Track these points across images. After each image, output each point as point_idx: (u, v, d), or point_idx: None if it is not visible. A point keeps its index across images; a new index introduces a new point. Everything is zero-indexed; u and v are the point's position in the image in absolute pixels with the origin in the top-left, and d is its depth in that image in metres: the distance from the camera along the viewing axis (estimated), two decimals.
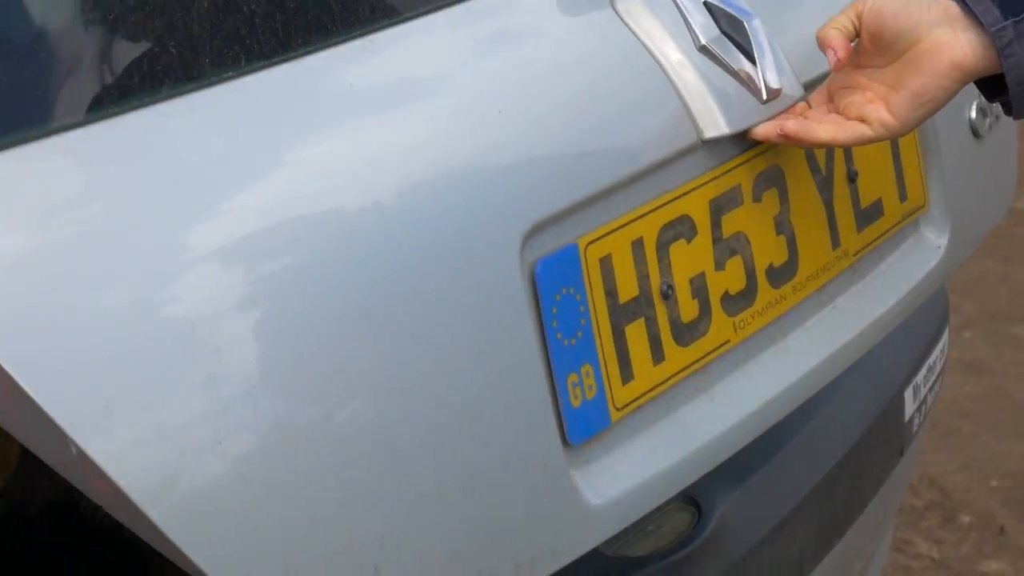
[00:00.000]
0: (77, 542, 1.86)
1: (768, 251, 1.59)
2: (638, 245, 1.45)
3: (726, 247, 1.54)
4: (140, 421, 1.12)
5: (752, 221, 1.57)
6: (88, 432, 1.10)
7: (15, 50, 1.19)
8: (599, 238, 1.41)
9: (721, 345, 1.54)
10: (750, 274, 1.57)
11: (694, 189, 1.51)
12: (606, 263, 1.42)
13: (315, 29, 1.32)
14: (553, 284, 1.37)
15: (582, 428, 1.40)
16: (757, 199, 1.58)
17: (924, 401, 2.03)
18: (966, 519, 3.20)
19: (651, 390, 1.47)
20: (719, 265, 1.53)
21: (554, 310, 1.37)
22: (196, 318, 1.16)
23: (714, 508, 1.65)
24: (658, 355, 1.47)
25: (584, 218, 1.40)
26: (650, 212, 1.46)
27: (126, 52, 1.23)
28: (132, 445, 1.12)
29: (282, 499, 1.18)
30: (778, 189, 1.60)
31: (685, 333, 1.50)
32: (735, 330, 1.56)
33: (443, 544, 1.29)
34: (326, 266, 1.22)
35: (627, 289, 1.44)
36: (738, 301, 1.56)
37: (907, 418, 1.97)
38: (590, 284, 1.40)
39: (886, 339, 1.71)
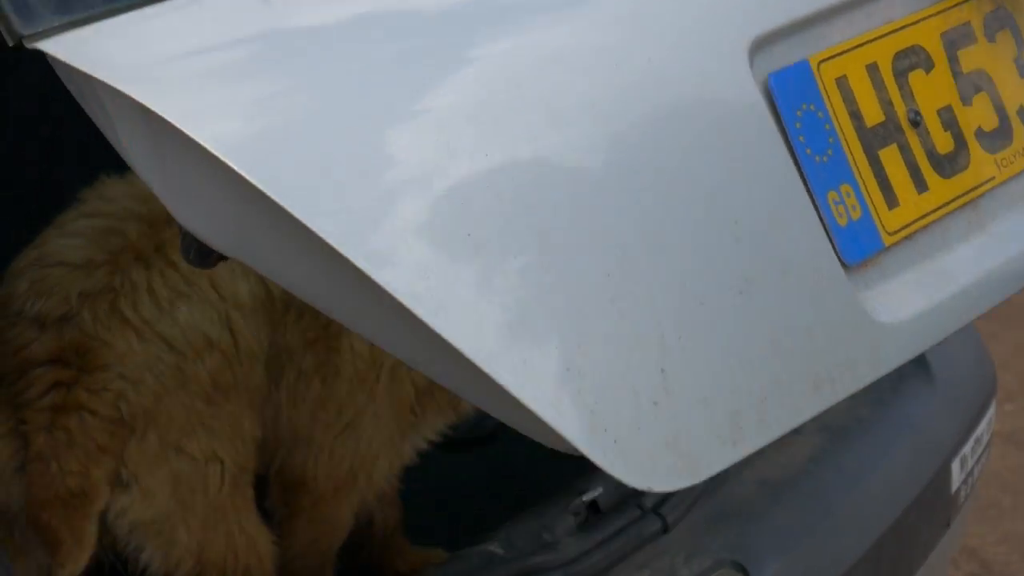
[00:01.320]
0: None
1: (1017, 93, 1.51)
2: (873, 69, 1.39)
3: (969, 83, 1.47)
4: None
5: (992, 61, 1.50)
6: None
7: None
8: (830, 57, 1.36)
9: (987, 181, 1.46)
10: (1001, 113, 1.49)
11: (920, 20, 1.45)
12: (843, 84, 1.36)
13: None
14: (791, 99, 1.32)
15: (855, 248, 1.32)
16: (991, 39, 1.51)
17: (971, 473, 1.98)
18: None
19: (921, 218, 1.39)
20: (966, 100, 1.46)
21: (798, 124, 1.31)
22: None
23: (763, 575, 1.63)
24: (920, 184, 1.40)
25: (809, 37, 1.36)
26: (878, 39, 1.41)
27: None
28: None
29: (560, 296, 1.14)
30: (1011, 31, 1.53)
31: (945, 165, 1.42)
32: (998, 167, 1.47)
33: (727, 348, 1.21)
34: (585, 101, 1.22)
35: (872, 113, 1.38)
36: (995, 139, 1.48)
37: (954, 489, 1.93)
38: (830, 102, 1.35)
39: (935, 411, 1.66)
